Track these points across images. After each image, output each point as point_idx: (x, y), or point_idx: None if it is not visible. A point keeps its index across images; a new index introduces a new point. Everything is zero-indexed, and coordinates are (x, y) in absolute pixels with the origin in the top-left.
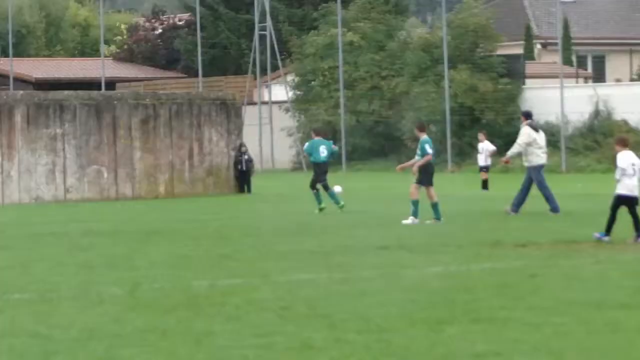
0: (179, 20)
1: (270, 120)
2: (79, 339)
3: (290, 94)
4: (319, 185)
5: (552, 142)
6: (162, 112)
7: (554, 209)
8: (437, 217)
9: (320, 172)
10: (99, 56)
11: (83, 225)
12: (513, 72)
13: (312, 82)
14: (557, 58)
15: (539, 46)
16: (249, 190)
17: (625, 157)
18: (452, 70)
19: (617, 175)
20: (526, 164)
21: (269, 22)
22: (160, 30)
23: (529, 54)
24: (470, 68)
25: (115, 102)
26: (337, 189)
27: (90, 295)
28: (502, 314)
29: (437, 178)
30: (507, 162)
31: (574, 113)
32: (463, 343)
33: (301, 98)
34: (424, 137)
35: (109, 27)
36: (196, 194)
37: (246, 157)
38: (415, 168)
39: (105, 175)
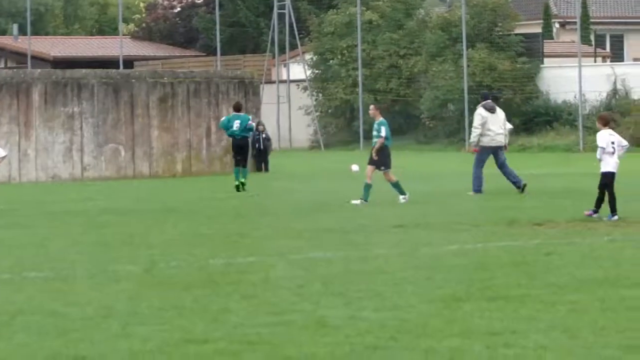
0: None
1: (288, 99)
2: (95, 316)
3: (309, 72)
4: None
5: (569, 121)
6: (180, 90)
7: (476, 191)
8: (401, 192)
9: (235, 146)
10: (117, 34)
11: (100, 203)
12: (531, 51)
13: (331, 61)
14: (575, 37)
15: (557, 25)
16: (266, 169)
17: (603, 136)
18: (471, 49)
19: (598, 154)
20: (480, 144)
21: (287, 1)
22: (178, 9)
23: (547, 33)
24: (488, 47)
25: (133, 80)
26: (354, 167)
27: (107, 273)
28: (518, 292)
29: (454, 156)
30: (475, 150)
31: (592, 92)
32: (479, 321)
33: (319, 77)
34: (380, 119)
35: (127, 5)
36: (213, 173)
37: (264, 135)
38: (373, 153)
39: (123, 153)
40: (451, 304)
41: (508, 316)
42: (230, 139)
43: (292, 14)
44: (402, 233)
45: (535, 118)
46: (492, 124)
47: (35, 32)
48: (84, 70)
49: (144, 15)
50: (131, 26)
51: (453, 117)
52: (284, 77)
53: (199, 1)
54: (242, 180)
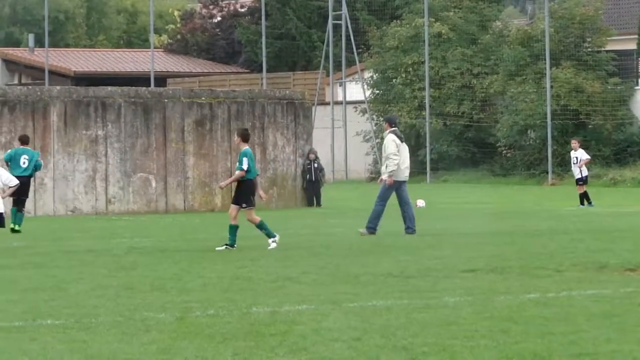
0: (241, 7)
1: (345, 123)
2: None
3: (368, 93)
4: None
5: None
6: (220, 112)
7: (369, 228)
8: (269, 234)
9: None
10: (148, 47)
11: (126, 241)
12: (625, 70)
13: (394, 80)
14: None
15: None
16: (318, 204)
17: None
18: (555, 68)
19: None
20: (384, 177)
21: (344, 10)
22: (219, 18)
23: None
24: (575, 65)
25: (166, 100)
26: (419, 203)
27: (134, 321)
28: (608, 348)
29: (535, 191)
30: (390, 183)
31: None
32: None
33: (380, 98)
34: (245, 147)
35: (160, 13)
36: (258, 207)
37: (316, 165)
38: (223, 184)
39: (154, 184)
40: None
41: None
42: None
43: (349, 25)
44: (473, 279)
45: (629, 147)
46: (403, 155)
47: (54, 44)
48: (109, 88)
49: (178, 25)
50: (164, 38)
51: (534, 146)
52: (340, 98)
53: (242, 10)
54: (17, 227)
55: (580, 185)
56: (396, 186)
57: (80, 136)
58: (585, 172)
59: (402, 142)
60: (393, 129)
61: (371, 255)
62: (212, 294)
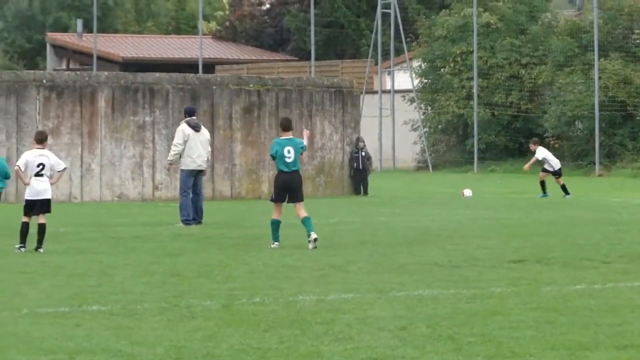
0: None
1: (392, 112)
2: (166, 358)
3: (416, 82)
4: None
5: None
6: (268, 99)
7: (185, 221)
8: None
9: None
10: (197, 34)
11: (173, 228)
12: None
13: (442, 69)
14: None
15: None
16: (365, 192)
17: None
18: (603, 59)
19: None
20: (181, 167)
21: None
22: (267, 6)
23: None
24: (623, 57)
25: (214, 87)
26: (466, 192)
27: (179, 308)
28: None
29: (582, 182)
30: (168, 166)
31: None
32: None
33: (428, 87)
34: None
35: (208, 0)
36: (304, 195)
37: (363, 153)
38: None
39: None
40: (576, 352)
41: None
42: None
43: (398, 14)
44: (520, 269)
45: None
46: (195, 144)
47: (102, 30)
48: (157, 74)
49: (227, 12)
50: (213, 25)
51: (581, 137)
52: (388, 87)
53: None
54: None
55: (557, 178)
56: (193, 175)
57: (127, 122)
58: (557, 165)
59: (197, 131)
60: (187, 119)
61: (417, 245)
62: (258, 281)
